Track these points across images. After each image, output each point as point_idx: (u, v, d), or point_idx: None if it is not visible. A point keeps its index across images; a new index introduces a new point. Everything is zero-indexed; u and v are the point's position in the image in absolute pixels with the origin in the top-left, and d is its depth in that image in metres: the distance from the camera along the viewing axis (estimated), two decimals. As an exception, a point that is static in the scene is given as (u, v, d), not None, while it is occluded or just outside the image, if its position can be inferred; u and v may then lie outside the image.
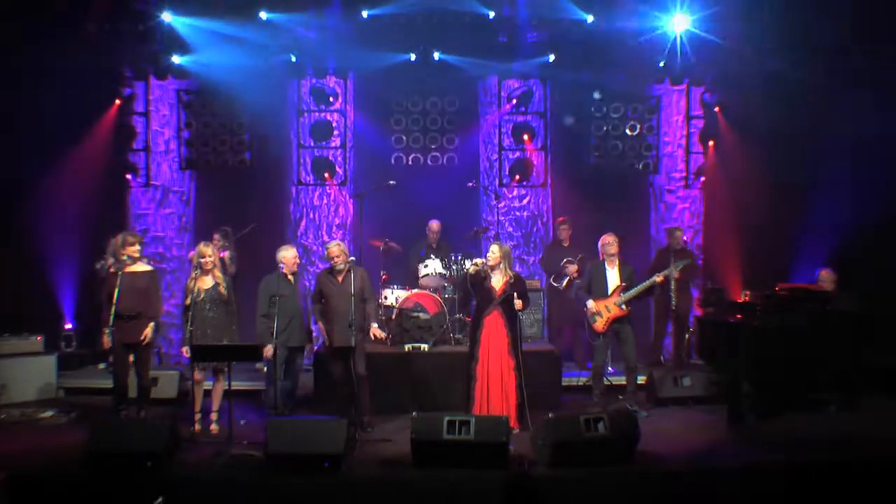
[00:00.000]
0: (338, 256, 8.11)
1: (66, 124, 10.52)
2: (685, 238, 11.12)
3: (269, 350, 7.87)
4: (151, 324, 7.91)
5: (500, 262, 7.97)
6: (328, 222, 11.68)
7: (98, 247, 10.07)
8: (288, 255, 8.26)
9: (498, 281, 7.97)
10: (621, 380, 9.10)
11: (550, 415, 7.23)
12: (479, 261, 8.07)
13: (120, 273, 7.76)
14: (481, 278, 7.98)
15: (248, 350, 7.62)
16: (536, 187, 11.69)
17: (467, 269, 8.21)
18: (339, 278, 8.13)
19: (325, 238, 11.53)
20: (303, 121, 11.60)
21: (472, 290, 8.07)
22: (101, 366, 10.32)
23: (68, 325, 10.65)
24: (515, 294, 7.90)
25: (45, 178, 10.34)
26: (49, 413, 8.69)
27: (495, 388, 7.82)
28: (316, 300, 8.31)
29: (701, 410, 8.78)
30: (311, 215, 11.69)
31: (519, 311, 7.99)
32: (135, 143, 11.33)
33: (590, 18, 10.50)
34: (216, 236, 9.87)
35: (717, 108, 11.34)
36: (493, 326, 7.90)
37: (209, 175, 11.51)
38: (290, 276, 8.23)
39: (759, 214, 10.81)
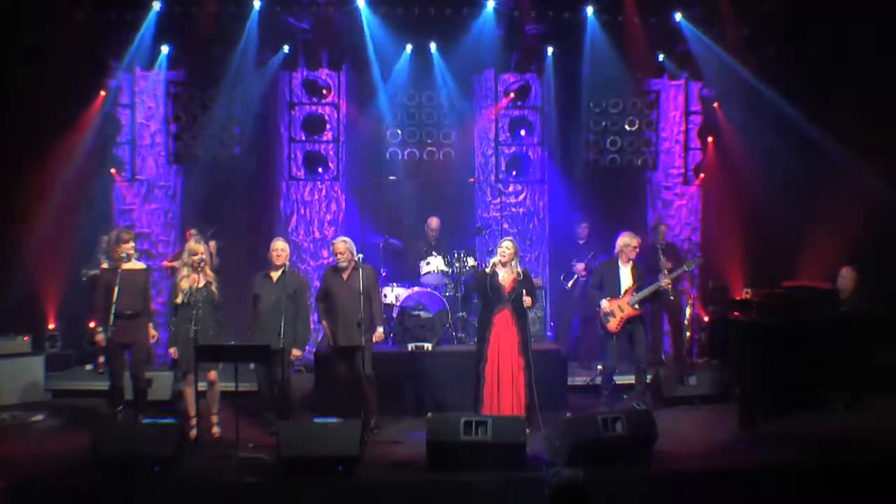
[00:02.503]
0: (342, 253, 7.89)
1: (50, 116, 10.06)
2: (684, 236, 11.04)
3: None
4: (150, 324, 7.70)
5: (513, 258, 7.76)
6: (320, 218, 11.40)
7: (88, 245, 9.89)
8: (271, 247, 7.92)
9: (506, 278, 7.75)
10: (624, 379, 8.98)
11: (568, 414, 7.09)
12: (494, 260, 7.84)
13: (119, 271, 7.48)
14: (493, 277, 7.77)
15: (254, 351, 7.40)
16: (533, 183, 11.49)
17: (484, 270, 7.96)
18: (345, 276, 7.92)
19: (317, 234, 11.32)
20: (294, 114, 11.31)
21: (489, 291, 7.74)
22: (88, 367, 9.98)
23: (51, 325, 10.25)
24: (524, 291, 7.72)
25: (27, 173, 9.91)
26: (40, 416, 8.40)
27: (506, 389, 7.60)
28: (320, 298, 8.08)
29: (709, 410, 8.68)
30: (303, 211, 11.41)
31: (527, 308, 7.80)
32: (119, 137, 10.94)
33: (589, 11, 10.39)
34: (192, 231, 9.54)
35: (715, 104, 11.23)
36: (504, 325, 7.68)
37: (197, 169, 11.13)
38: (272, 274, 7.85)
39: (758, 211, 10.71)
